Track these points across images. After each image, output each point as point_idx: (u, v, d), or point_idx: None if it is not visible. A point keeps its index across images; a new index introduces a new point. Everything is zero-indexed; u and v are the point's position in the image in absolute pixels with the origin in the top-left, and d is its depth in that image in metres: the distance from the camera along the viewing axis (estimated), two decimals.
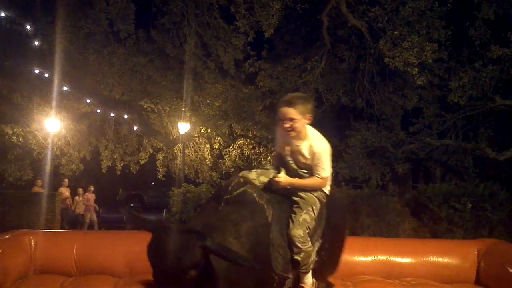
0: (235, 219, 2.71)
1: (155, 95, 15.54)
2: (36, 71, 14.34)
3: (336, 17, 13.09)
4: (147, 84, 15.21)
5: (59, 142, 15.66)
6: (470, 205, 8.86)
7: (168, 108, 16.18)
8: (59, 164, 15.92)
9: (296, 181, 3.03)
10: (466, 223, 8.80)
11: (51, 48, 13.49)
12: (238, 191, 2.85)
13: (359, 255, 4.39)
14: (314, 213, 2.99)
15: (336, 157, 14.46)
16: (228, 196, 2.82)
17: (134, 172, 18.19)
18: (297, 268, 2.95)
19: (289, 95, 3.00)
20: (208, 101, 15.88)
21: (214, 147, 18.92)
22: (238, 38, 13.32)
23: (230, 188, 2.86)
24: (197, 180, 17.84)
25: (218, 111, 15.70)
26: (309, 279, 3.07)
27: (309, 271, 3.02)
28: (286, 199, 3.04)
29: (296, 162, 3.07)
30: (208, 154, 18.84)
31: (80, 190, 14.55)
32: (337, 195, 3.46)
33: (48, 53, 13.80)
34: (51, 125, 14.17)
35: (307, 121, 2.94)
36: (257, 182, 3.00)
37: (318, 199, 3.04)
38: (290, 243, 2.87)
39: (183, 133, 15.77)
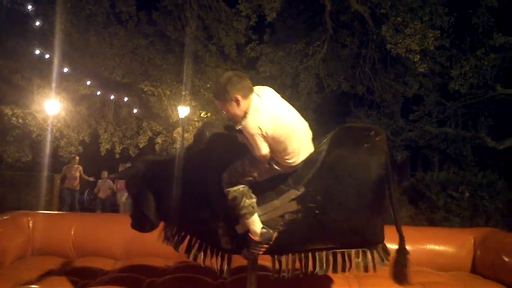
0: None
1: (156, 78, 15.46)
2: (37, 52, 14.22)
3: (339, 2, 12.97)
4: (147, 66, 15.14)
5: (59, 124, 15.54)
6: (467, 193, 8.89)
7: (168, 92, 16.10)
8: (58, 146, 15.85)
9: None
10: (463, 211, 8.84)
11: (52, 29, 13.37)
12: None
13: None
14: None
15: None
16: None
17: (133, 156, 18.11)
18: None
19: (213, 87, 2.89)
20: (208, 85, 15.81)
21: None
22: (240, 22, 13.19)
23: None
24: None
25: None
26: (253, 226, 2.88)
27: (248, 216, 2.85)
28: None
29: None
30: None
31: (105, 174, 13.96)
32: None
33: (49, 34, 13.69)
34: (51, 107, 14.09)
35: (235, 102, 2.61)
36: None
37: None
38: None
39: (183, 117, 15.68)
